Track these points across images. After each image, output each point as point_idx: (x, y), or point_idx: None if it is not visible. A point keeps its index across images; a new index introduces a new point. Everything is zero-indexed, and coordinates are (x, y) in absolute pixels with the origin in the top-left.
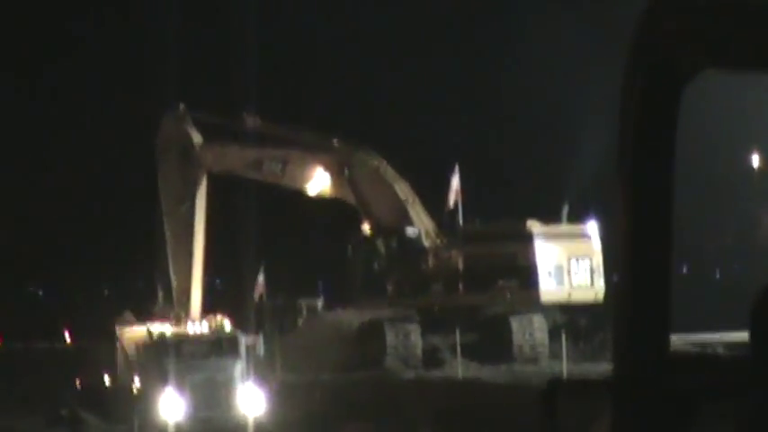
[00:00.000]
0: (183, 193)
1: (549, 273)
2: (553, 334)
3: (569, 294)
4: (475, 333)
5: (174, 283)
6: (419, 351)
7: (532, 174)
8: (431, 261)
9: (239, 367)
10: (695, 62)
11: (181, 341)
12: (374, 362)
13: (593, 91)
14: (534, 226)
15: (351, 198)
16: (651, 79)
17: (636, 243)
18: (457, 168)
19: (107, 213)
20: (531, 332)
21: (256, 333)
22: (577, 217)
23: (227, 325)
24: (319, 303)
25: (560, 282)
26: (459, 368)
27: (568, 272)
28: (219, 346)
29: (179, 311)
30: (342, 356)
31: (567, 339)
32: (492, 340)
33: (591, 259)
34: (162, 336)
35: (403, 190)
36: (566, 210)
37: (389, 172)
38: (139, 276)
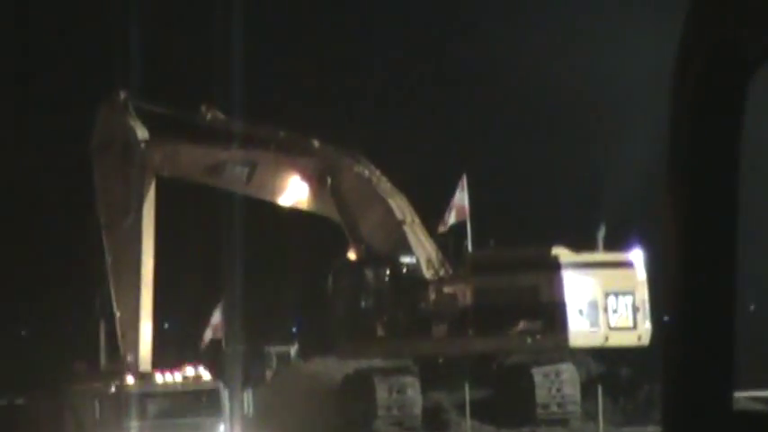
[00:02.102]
0: (126, 203)
1: (581, 311)
2: (587, 388)
3: (606, 338)
4: (488, 388)
5: (118, 319)
6: (418, 411)
7: (560, 189)
8: (433, 296)
9: (222, 428)
10: (762, 46)
11: (148, 395)
12: (362, 425)
13: (633, 84)
14: (562, 253)
15: (334, 214)
16: (710, 67)
17: (691, 273)
18: (465, 180)
19: (31, 225)
20: (558, 386)
21: (245, 385)
22: (616, 242)
23: (206, 374)
24: (293, 350)
25: (595, 322)
26: None
27: (605, 310)
28: (197, 401)
29: (126, 357)
30: (321, 418)
31: (603, 395)
32: (510, 397)
33: (633, 294)
34: (124, 389)
35: (400, 207)
36: (602, 233)
37: (384, 184)
38: (74, 311)
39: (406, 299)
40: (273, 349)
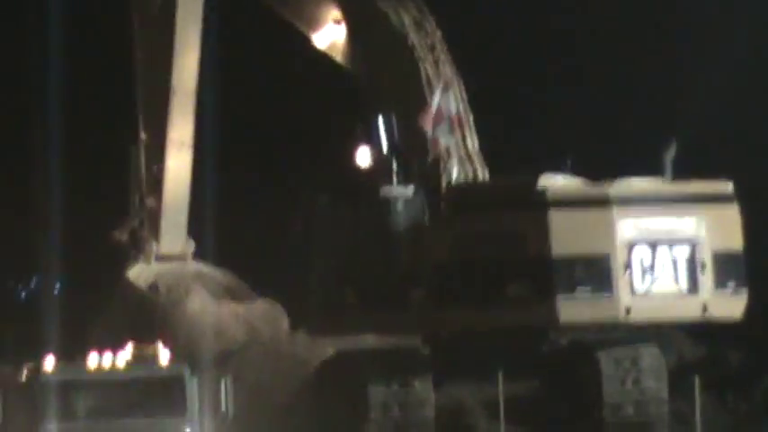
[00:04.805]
0: None
1: (585, 270)
2: (679, 381)
3: (627, 310)
4: (532, 380)
5: (143, 147)
6: (430, 412)
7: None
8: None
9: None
10: None
11: (75, 386)
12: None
13: None
14: (555, 184)
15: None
16: None
17: None
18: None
19: None
20: (636, 378)
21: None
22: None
23: (165, 356)
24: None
25: (601, 287)
26: None
27: (626, 267)
28: (151, 394)
29: (147, 237)
30: (290, 420)
31: (703, 391)
32: (564, 393)
33: (695, 244)
34: (40, 377)
35: (450, 94)
36: (671, 154)
37: (437, 54)
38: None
39: (414, 247)
40: None
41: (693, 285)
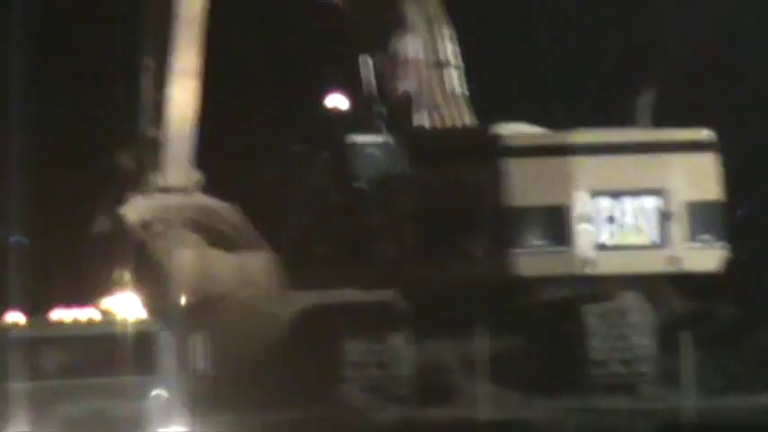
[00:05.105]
0: None
1: (545, 221)
2: (668, 337)
3: (585, 262)
4: (515, 336)
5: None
6: (408, 370)
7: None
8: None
9: (159, 395)
10: None
11: (35, 342)
12: (322, 392)
13: None
14: (513, 133)
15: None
16: None
17: None
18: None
19: None
20: (623, 333)
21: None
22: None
23: (135, 310)
24: None
25: (560, 239)
26: (486, 405)
27: (586, 220)
28: (118, 350)
29: (149, 168)
30: (260, 380)
31: (694, 348)
32: (547, 350)
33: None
34: (1, 333)
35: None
36: (647, 102)
37: None
38: None
39: (378, 198)
40: None
41: (662, 237)
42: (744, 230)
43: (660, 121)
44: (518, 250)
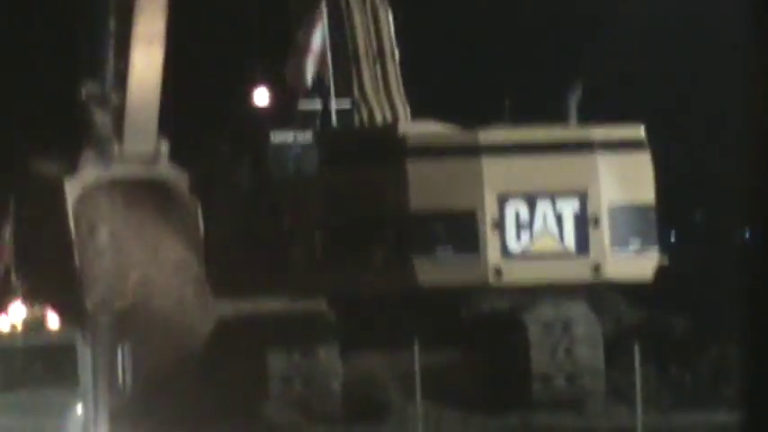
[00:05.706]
0: None
1: (450, 227)
2: (617, 350)
3: (497, 271)
4: (453, 349)
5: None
6: (337, 386)
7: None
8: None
9: (78, 411)
10: None
11: None
12: (245, 408)
13: None
14: (417, 131)
15: None
16: None
17: None
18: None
19: None
20: (568, 346)
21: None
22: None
23: (53, 320)
24: None
25: (470, 246)
26: (420, 423)
27: (495, 226)
28: (37, 363)
29: (109, 136)
30: (181, 395)
31: (644, 361)
32: (489, 364)
33: (583, 196)
34: None
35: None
36: (576, 98)
37: None
38: None
39: (293, 201)
40: None
41: (582, 244)
42: (695, 237)
43: (592, 118)
44: (421, 258)
